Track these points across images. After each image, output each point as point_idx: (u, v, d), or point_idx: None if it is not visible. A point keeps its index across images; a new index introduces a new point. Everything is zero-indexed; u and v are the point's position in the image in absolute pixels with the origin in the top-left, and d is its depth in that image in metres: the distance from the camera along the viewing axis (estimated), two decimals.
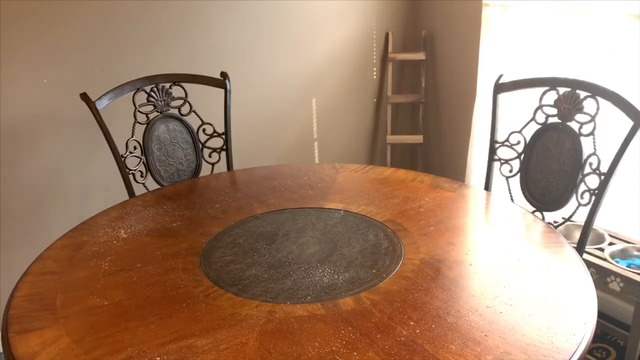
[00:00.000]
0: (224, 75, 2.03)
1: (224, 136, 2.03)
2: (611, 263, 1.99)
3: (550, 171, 1.70)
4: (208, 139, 2.01)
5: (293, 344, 1.01)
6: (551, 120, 1.70)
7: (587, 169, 1.62)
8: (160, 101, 1.93)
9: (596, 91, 1.61)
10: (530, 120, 1.74)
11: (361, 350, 0.98)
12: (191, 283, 1.21)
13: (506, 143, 1.81)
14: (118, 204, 1.65)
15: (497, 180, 1.86)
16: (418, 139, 2.96)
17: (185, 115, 1.97)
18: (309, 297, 1.14)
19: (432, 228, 1.42)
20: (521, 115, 1.79)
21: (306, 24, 2.68)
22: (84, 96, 1.78)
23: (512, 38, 2.53)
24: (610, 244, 2.10)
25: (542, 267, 1.25)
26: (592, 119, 1.61)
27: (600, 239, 2.13)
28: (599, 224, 1.91)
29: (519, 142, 1.78)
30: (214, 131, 2.00)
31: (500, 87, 1.83)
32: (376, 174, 1.80)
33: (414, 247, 1.32)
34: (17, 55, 1.99)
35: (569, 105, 1.66)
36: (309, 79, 2.76)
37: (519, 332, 1.02)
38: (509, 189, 1.81)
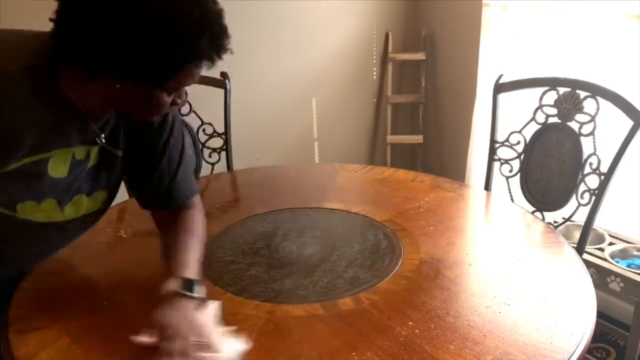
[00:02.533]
0: (223, 75, 2.03)
1: (224, 136, 2.03)
2: (611, 263, 1.98)
3: (550, 171, 1.70)
4: (208, 139, 2.01)
5: (292, 344, 1.01)
6: (551, 120, 1.70)
7: (587, 169, 1.62)
8: None
9: (596, 91, 1.61)
10: (530, 120, 1.74)
11: (360, 350, 0.98)
12: None
13: (506, 143, 1.81)
14: (118, 204, 1.65)
15: (497, 180, 1.86)
16: (418, 139, 2.96)
17: (185, 115, 1.97)
18: (308, 297, 1.14)
19: (431, 228, 1.42)
20: (521, 115, 1.79)
21: (306, 23, 2.68)
22: None
23: (512, 38, 2.53)
24: (610, 244, 2.10)
25: (542, 267, 1.25)
26: (592, 119, 1.61)
27: (600, 239, 2.12)
28: (599, 224, 1.91)
29: (519, 142, 1.78)
30: (214, 131, 2.00)
31: (500, 87, 1.83)
32: (376, 174, 1.80)
33: (414, 247, 1.32)
34: None
35: (569, 105, 1.66)
36: (309, 79, 2.76)
37: (518, 332, 1.02)
38: (509, 189, 1.81)
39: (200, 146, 2.00)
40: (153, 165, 1.17)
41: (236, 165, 2.05)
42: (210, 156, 2.02)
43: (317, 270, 1.24)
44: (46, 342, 1.02)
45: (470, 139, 2.77)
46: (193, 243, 1.14)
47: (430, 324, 1.04)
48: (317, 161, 2.92)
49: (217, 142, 2.03)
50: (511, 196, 1.81)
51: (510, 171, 1.80)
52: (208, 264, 1.28)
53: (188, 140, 1.18)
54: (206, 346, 0.91)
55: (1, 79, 0.93)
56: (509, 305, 1.10)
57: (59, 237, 1.16)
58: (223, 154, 2.03)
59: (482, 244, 1.40)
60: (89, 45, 0.89)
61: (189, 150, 1.22)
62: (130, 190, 1.26)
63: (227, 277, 1.23)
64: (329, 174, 1.81)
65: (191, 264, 1.07)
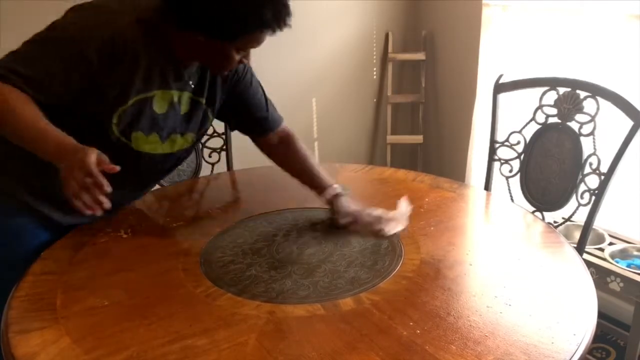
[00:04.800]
0: None
1: (223, 136, 2.03)
2: (611, 263, 1.99)
3: (550, 171, 1.70)
4: (208, 139, 2.01)
5: (293, 344, 1.01)
6: (551, 120, 1.70)
7: (587, 169, 1.62)
8: None
9: (596, 91, 1.61)
10: (530, 120, 1.74)
11: (361, 351, 0.98)
12: (191, 283, 1.21)
13: (506, 143, 1.81)
14: None
15: (497, 180, 1.86)
16: (418, 139, 2.96)
17: None
18: (309, 298, 1.14)
19: (432, 228, 1.41)
20: (521, 115, 1.79)
21: (306, 23, 2.68)
22: None
23: (512, 38, 2.53)
24: (610, 244, 2.10)
25: (542, 267, 1.25)
26: (592, 119, 1.61)
27: (600, 239, 2.12)
28: (599, 224, 1.91)
29: (519, 142, 1.78)
30: (214, 131, 2.00)
31: (500, 87, 1.83)
32: (376, 174, 1.80)
33: (414, 247, 1.32)
34: None
35: (569, 105, 1.66)
36: (309, 79, 2.76)
37: (519, 332, 1.02)
38: (509, 189, 1.81)
39: (200, 146, 2.00)
40: (252, 99, 1.54)
41: (236, 165, 2.05)
42: (210, 156, 2.02)
43: (318, 270, 1.24)
44: (46, 342, 1.02)
45: (470, 139, 2.77)
46: (317, 163, 1.56)
47: (431, 324, 1.04)
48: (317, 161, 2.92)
49: (217, 142, 2.03)
50: (511, 196, 1.81)
51: (510, 171, 1.80)
52: (208, 264, 1.28)
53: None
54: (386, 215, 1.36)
55: (119, 31, 1.22)
56: (510, 305, 1.10)
57: (158, 167, 1.49)
58: (223, 154, 2.03)
59: (482, 244, 1.40)
60: (181, 4, 1.21)
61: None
62: (234, 129, 1.66)
63: (227, 277, 1.22)
64: (329, 174, 1.81)
65: (330, 178, 1.50)
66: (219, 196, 1.74)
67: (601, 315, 2.29)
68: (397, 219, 1.35)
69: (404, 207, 1.39)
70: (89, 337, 1.04)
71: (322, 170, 1.51)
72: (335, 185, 1.46)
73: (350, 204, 1.42)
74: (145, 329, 1.06)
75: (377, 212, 1.36)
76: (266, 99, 1.58)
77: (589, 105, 1.62)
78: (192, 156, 1.99)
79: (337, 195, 1.44)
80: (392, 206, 1.54)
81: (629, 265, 1.98)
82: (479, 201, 1.67)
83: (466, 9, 2.71)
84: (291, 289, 1.17)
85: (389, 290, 1.16)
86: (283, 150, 1.58)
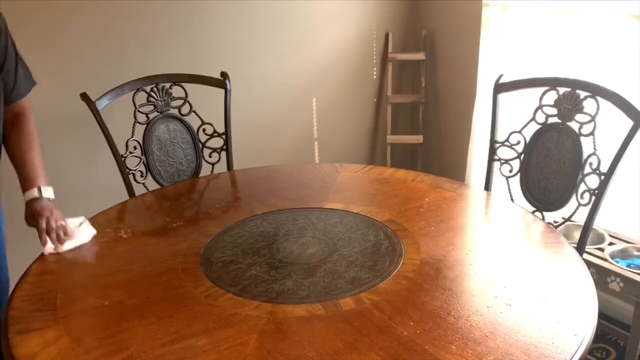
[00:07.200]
0: (224, 75, 2.03)
1: (224, 136, 2.03)
2: (611, 263, 1.98)
3: (550, 171, 1.70)
4: (208, 139, 2.01)
5: (293, 344, 1.01)
6: (551, 120, 1.70)
7: (587, 169, 1.62)
8: (160, 101, 1.92)
9: (596, 91, 1.61)
10: (530, 120, 1.74)
11: (361, 351, 0.98)
12: (191, 283, 1.21)
13: (506, 143, 1.80)
14: (118, 204, 1.65)
15: (497, 180, 1.85)
16: (418, 139, 2.96)
17: (185, 115, 1.97)
18: (309, 298, 1.14)
19: (432, 228, 1.41)
20: (521, 115, 1.79)
21: (306, 23, 2.68)
22: (84, 96, 1.78)
23: (512, 38, 2.53)
24: (610, 244, 2.10)
25: (542, 267, 1.25)
26: (592, 119, 1.61)
27: (600, 239, 2.12)
28: (599, 224, 1.91)
29: (519, 142, 1.78)
30: (214, 131, 2.00)
31: (500, 87, 1.83)
32: (376, 174, 1.80)
33: (414, 247, 1.32)
34: None
35: (569, 105, 1.66)
36: (309, 79, 2.76)
37: (519, 332, 1.02)
38: (509, 189, 1.81)
39: (201, 146, 2.00)
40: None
41: (236, 165, 2.05)
42: (210, 156, 2.02)
43: (318, 270, 1.24)
44: (46, 342, 1.02)
45: (470, 139, 2.77)
46: (35, 149, 1.47)
47: (432, 324, 1.04)
48: (317, 161, 2.92)
49: (217, 142, 2.03)
50: (511, 196, 1.81)
51: (510, 171, 1.80)
52: (208, 264, 1.28)
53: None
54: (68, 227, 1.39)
55: None
56: (510, 305, 1.10)
57: None
58: (223, 154, 2.03)
59: (482, 244, 1.40)
60: None
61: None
62: None
63: (227, 277, 1.23)
64: (329, 174, 1.81)
65: (39, 172, 1.43)
66: (219, 196, 1.74)
67: (601, 315, 2.29)
68: (70, 237, 1.38)
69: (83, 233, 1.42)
70: (88, 337, 1.04)
71: (37, 167, 1.44)
72: (35, 190, 1.41)
73: (43, 209, 1.38)
74: (144, 329, 1.06)
75: (63, 222, 1.38)
76: (17, 67, 1.44)
77: (589, 105, 1.62)
78: (192, 156, 1.99)
79: (32, 200, 1.40)
80: (392, 206, 1.54)
81: (629, 265, 1.98)
82: (479, 201, 1.67)
83: (466, 9, 2.71)
84: (291, 289, 1.17)
85: (389, 290, 1.16)
86: (9, 131, 1.47)
